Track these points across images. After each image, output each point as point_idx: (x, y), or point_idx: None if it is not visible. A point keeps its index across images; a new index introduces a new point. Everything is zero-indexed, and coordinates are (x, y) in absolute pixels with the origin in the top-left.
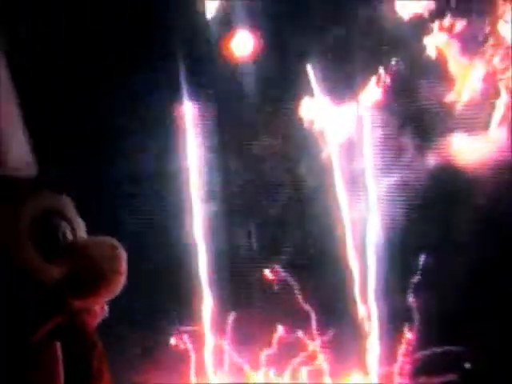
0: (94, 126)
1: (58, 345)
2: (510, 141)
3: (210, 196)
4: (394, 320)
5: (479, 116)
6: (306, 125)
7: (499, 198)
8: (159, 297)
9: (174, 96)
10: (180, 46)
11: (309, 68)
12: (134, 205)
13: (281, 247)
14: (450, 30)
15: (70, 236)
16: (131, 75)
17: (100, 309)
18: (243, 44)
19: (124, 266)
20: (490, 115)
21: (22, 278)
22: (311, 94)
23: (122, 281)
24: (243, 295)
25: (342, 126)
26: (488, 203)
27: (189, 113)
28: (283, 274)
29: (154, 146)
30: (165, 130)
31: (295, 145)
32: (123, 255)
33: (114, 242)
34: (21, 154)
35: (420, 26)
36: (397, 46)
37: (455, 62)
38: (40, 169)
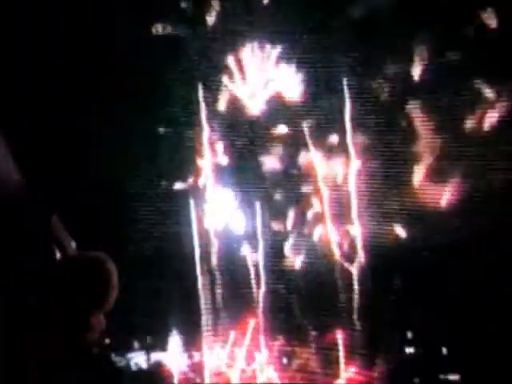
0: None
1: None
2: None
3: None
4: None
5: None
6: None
7: (455, 235)
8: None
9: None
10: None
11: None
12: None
13: (283, 270)
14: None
15: (58, 255)
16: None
17: (98, 322)
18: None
19: (115, 279)
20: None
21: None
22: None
23: (113, 293)
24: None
25: (332, 175)
26: (447, 239)
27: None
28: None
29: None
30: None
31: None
32: (112, 267)
33: (103, 255)
34: (7, 170)
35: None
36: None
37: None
38: (28, 188)
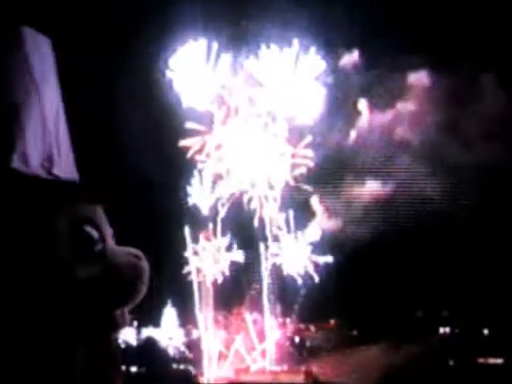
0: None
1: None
2: None
3: None
4: None
5: None
6: None
7: None
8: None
9: None
10: None
11: None
12: None
13: None
14: None
15: (99, 245)
16: None
17: (122, 318)
18: None
19: (147, 276)
20: None
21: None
22: None
23: (144, 291)
24: None
25: None
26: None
27: None
28: None
29: None
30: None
31: None
32: (146, 265)
33: (139, 252)
34: (67, 158)
35: None
36: None
37: None
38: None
